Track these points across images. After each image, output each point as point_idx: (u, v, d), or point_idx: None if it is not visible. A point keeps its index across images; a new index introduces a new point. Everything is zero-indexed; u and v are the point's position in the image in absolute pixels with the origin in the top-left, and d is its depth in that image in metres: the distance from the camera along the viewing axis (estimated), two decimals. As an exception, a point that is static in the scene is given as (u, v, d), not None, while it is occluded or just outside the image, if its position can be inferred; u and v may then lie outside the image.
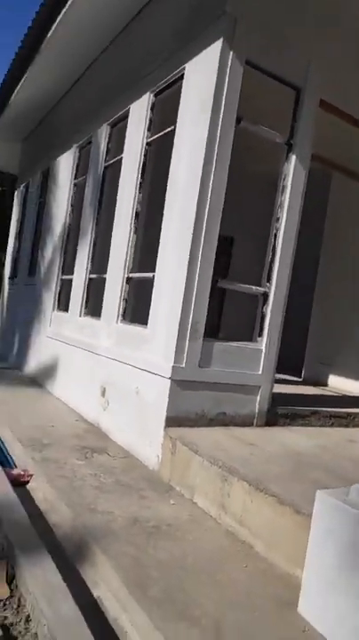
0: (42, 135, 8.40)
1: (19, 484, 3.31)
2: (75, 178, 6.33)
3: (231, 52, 3.46)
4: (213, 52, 3.49)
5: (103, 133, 5.46)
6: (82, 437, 4.26)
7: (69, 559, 2.48)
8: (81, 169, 6.20)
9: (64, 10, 4.62)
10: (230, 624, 1.91)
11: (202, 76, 3.62)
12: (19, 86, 6.50)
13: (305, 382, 6.39)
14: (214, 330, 3.78)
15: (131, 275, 4.45)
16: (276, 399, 4.16)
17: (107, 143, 5.36)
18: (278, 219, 3.93)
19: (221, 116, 3.49)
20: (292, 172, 3.89)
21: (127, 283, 4.48)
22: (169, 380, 3.50)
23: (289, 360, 6.78)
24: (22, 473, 3.44)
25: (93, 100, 5.86)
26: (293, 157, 3.89)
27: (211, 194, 3.50)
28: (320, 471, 3.01)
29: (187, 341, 3.53)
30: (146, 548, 2.43)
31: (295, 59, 3.83)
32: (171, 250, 3.72)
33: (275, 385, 4.09)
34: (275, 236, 3.94)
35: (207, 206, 3.50)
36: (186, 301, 3.50)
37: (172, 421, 3.52)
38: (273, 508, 2.44)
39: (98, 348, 4.78)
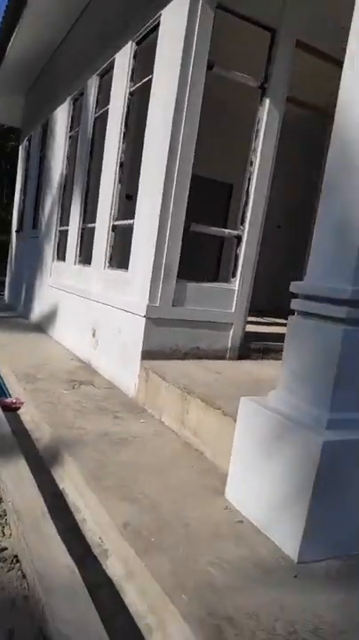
0: (42, 87, 8.46)
1: (10, 409, 3.74)
2: (70, 130, 6.48)
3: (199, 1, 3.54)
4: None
5: (93, 84, 5.57)
6: (73, 373, 4.66)
7: (45, 464, 2.91)
8: (75, 121, 6.34)
9: None
10: (165, 503, 2.29)
11: (174, 21, 3.71)
12: (14, 35, 6.57)
13: None
14: (191, 271, 4.02)
15: (115, 223, 4.70)
16: (254, 336, 4.46)
17: (97, 94, 5.49)
18: (252, 162, 4.08)
19: (192, 61, 3.60)
20: (266, 116, 4.00)
21: (113, 230, 4.74)
22: (144, 318, 3.81)
23: (276, 305, 7.05)
24: (14, 400, 3.87)
25: (85, 51, 5.93)
26: (267, 101, 3.99)
27: (183, 139, 3.67)
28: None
29: (161, 282, 3.81)
30: (109, 453, 2.82)
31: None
32: (147, 196, 3.95)
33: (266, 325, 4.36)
34: (249, 180, 4.11)
35: (179, 151, 3.68)
36: (158, 245, 3.75)
37: (148, 354, 3.86)
38: (219, 419, 2.79)
39: (90, 293, 5.11)
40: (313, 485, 1.87)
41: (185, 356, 4.04)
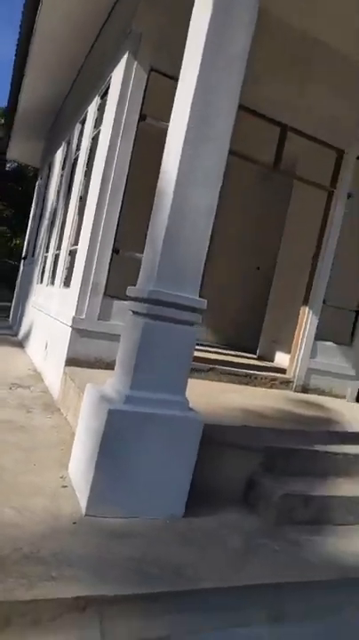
0: (53, 133, 9.49)
1: None
2: (62, 169, 7.30)
3: (135, 62, 4.23)
4: (122, 62, 4.29)
5: (76, 130, 6.38)
6: (22, 379, 5.18)
7: None
8: (66, 161, 7.17)
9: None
10: (14, 470, 2.71)
11: (115, 80, 4.42)
12: (21, 93, 7.59)
13: (258, 358, 6.96)
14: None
15: (71, 248, 5.33)
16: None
17: (78, 139, 6.27)
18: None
19: (125, 114, 4.26)
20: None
21: (69, 255, 5.36)
22: (70, 328, 4.32)
23: (247, 340, 7.41)
24: None
25: (76, 102, 6.81)
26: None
27: (113, 179, 4.28)
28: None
29: (88, 298, 4.33)
30: (4, 435, 3.26)
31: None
32: (84, 224, 4.55)
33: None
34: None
35: (109, 188, 4.28)
36: (87, 265, 4.31)
37: (73, 362, 4.34)
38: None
39: (50, 310, 5.69)
40: (98, 450, 2.26)
41: (107, 366, 4.47)
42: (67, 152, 7.18)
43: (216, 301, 7.98)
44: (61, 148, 7.54)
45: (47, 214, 7.81)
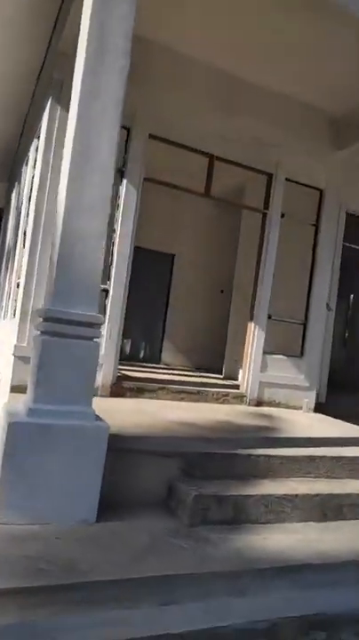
0: (11, 174, 9.88)
1: None
2: (16, 208, 7.61)
3: (58, 107, 4.56)
4: (47, 106, 4.62)
5: (22, 170, 6.71)
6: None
7: None
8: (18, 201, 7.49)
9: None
10: None
11: (43, 124, 4.75)
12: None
13: (224, 378, 7.10)
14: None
15: (18, 281, 5.54)
16: (135, 379, 5.07)
17: (24, 178, 6.59)
18: (114, 230, 4.90)
19: (51, 154, 4.55)
20: (124, 193, 4.88)
21: (17, 287, 5.57)
22: (13, 356, 4.49)
23: (216, 362, 7.53)
24: None
25: (24, 145, 7.17)
26: (125, 181, 4.89)
27: (45, 215, 4.53)
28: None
29: (28, 325, 4.52)
30: None
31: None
32: (24, 256, 4.79)
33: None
34: (113, 243, 4.91)
35: (41, 224, 4.53)
36: (26, 293, 4.52)
37: (17, 389, 4.48)
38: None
39: (3, 342, 5.86)
40: (1, 462, 2.41)
41: (52, 391, 4.63)
42: (18, 192, 7.51)
43: (185, 326, 8.27)
44: (15, 188, 7.87)
45: (3, 253, 8.08)
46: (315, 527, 3.09)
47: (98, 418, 2.78)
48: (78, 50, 2.86)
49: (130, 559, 2.37)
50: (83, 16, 2.90)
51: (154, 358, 8.23)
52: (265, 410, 5.62)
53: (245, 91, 5.35)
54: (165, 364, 8.07)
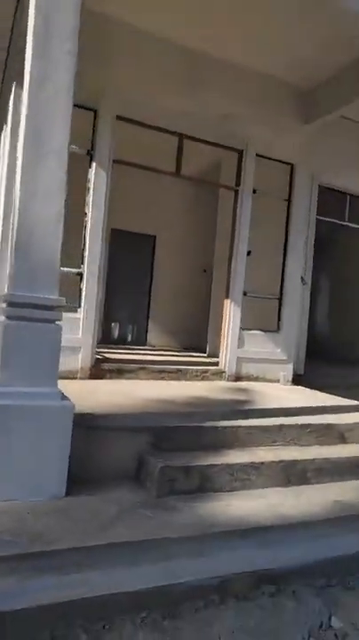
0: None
1: None
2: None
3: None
4: (12, 92, 4.61)
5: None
6: None
7: None
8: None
9: None
10: None
11: (10, 113, 4.74)
12: None
13: (208, 356, 7.23)
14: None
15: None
16: (115, 361, 5.18)
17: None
18: (86, 214, 4.94)
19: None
20: (94, 176, 4.91)
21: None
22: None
23: (202, 341, 7.63)
24: None
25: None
26: (94, 164, 4.91)
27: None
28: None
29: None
30: None
31: (89, 88, 4.85)
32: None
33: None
34: (85, 227, 4.95)
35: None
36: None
37: None
38: None
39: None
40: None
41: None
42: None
43: (169, 307, 8.35)
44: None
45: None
46: (279, 492, 3.25)
47: (64, 397, 2.89)
48: (27, 34, 2.87)
49: (96, 528, 2.51)
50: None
51: (140, 340, 8.33)
52: (243, 384, 5.76)
53: (211, 67, 5.34)
54: (151, 346, 8.18)
